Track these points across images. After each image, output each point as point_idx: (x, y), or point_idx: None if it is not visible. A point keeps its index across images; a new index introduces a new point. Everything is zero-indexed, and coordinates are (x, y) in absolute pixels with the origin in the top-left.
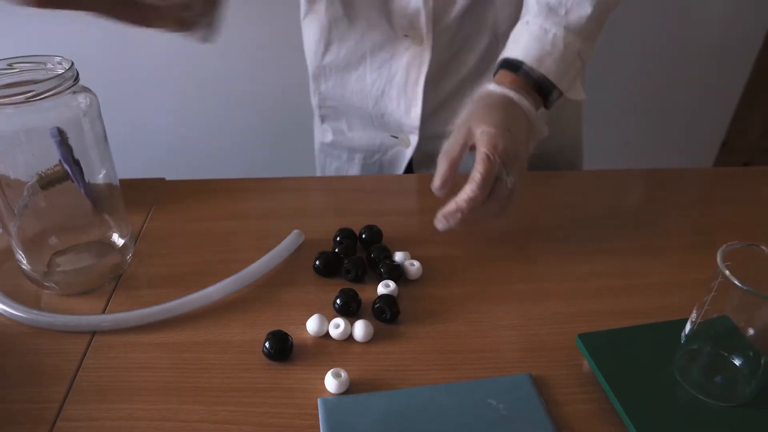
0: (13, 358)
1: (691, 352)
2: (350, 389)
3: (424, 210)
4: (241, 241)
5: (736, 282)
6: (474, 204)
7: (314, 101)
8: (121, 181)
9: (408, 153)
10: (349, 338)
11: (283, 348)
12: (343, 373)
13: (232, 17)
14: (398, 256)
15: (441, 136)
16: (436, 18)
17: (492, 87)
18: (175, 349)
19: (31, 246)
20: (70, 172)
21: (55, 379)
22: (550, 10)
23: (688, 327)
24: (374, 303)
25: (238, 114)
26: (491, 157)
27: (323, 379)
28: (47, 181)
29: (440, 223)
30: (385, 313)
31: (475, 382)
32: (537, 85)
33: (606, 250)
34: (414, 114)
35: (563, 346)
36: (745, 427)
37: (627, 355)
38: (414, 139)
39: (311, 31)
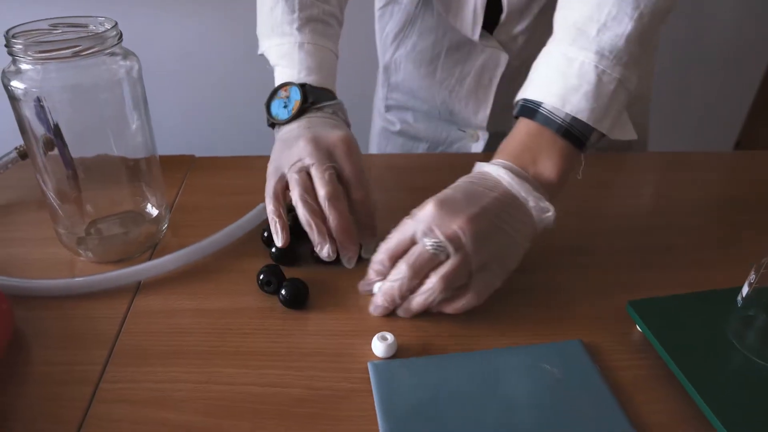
0: (54, 323)
1: (747, 317)
2: (398, 354)
3: None
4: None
5: None
6: (381, 268)
7: (381, 91)
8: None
9: (475, 148)
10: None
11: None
12: (390, 336)
13: (251, 7)
14: None
15: (506, 134)
16: (511, 22)
17: (484, 168)
18: (216, 315)
19: (68, 213)
20: (55, 140)
21: (97, 342)
22: (578, 31)
23: (745, 290)
24: None
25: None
26: (407, 221)
27: (370, 343)
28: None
29: (361, 288)
30: None
31: (526, 347)
32: (564, 131)
33: (644, 227)
34: (482, 115)
35: (610, 315)
36: None
37: (679, 320)
38: (484, 136)
39: (392, 22)
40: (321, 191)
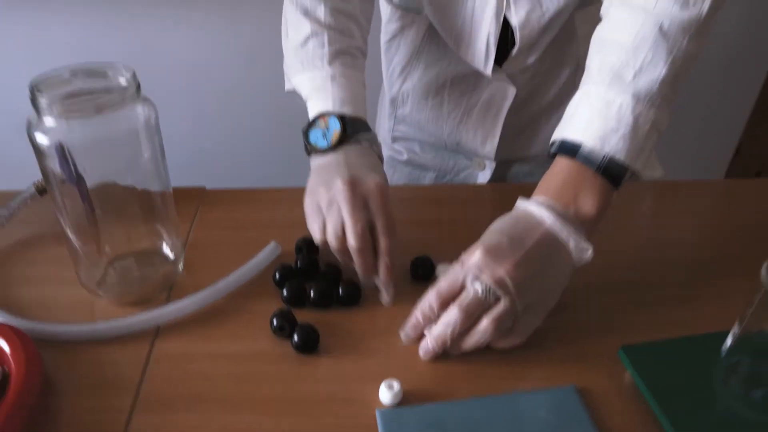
0: (78, 369)
1: (731, 365)
2: (405, 398)
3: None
4: (285, 248)
5: None
6: (426, 315)
7: (388, 123)
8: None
9: (482, 176)
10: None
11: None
12: (396, 385)
13: (257, 24)
14: (441, 269)
15: (516, 161)
16: (522, 55)
17: (524, 205)
18: (232, 360)
19: (87, 254)
20: (78, 189)
21: (122, 389)
22: (615, 76)
23: (729, 340)
24: None
25: (262, 120)
26: (457, 269)
27: (378, 389)
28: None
29: (406, 335)
30: None
31: (526, 394)
32: (603, 170)
33: (643, 262)
34: (490, 146)
35: (605, 357)
36: None
37: (669, 367)
38: (490, 165)
39: (398, 55)
40: (351, 242)
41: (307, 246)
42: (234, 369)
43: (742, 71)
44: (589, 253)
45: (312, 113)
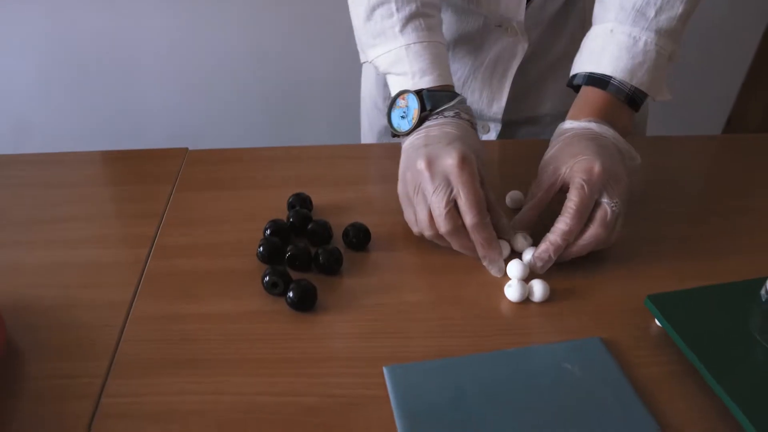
0: (51, 333)
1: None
2: (412, 357)
3: None
4: (270, 206)
5: None
6: (568, 237)
7: (384, 90)
8: (145, 151)
9: (487, 138)
10: (407, 304)
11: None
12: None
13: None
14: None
15: (521, 123)
16: (536, 13)
17: (569, 124)
18: (221, 320)
19: None
20: None
21: (96, 353)
22: (638, 13)
23: (766, 288)
24: None
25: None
26: (584, 186)
27: (381, 346)
28: None
29: (539, 264)
30: None
31: (546, 346)
32: (629, 99)
33: (660, 215)
34: (497, 107)
35: (628, 308)
36: None
37: (699, 315)
38: (495, 127)
39: None
40: (441, 228)
41: (300, 202)
42: (223, 329)
43: (733, 43)
44: (638, 161)
45: (393, 90)
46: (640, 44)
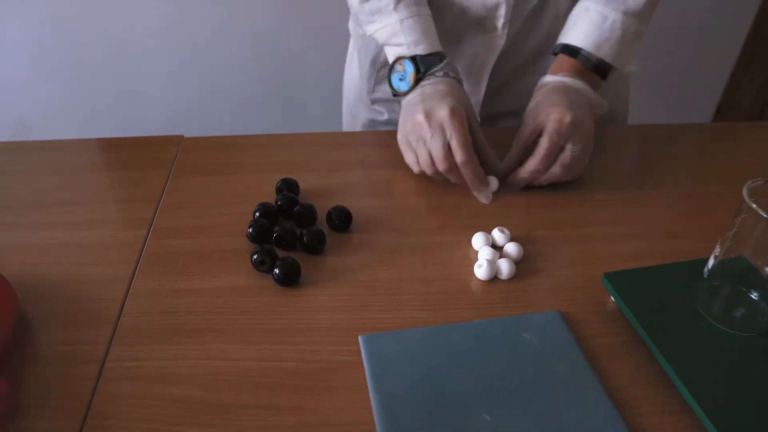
0: (58, 304)
1: (712, 288)
2: (386, 327)
3: None
4: (260, 190)
5: (762, 212)
6: (536, 174)
7: (367, 84)
8: (143, 138)
9: None
10: (383, 281)
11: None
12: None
13: None
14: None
15: (500, 116)
16: (512, 9)
17: (549, 78)
18: (212, 294)
19: None
20: None
21: (100, 323)
22: None
23: (711, 262)
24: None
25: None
26: (554, 134)
27: (358, 317)
28: None
29: (512, 186)
30: None
31: (509, 318)
32: (595, 67)
33: (622, 198)
34: (475, 100)
35: (587, 286)
36: (764, 353)
37: (650, 291)
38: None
39: None
40: (440, 166)
41: (287, 186)
42: (214, 302)
43: (724, 29)
44: (606, 108)
45: (390, 59)
46: (608, 22)
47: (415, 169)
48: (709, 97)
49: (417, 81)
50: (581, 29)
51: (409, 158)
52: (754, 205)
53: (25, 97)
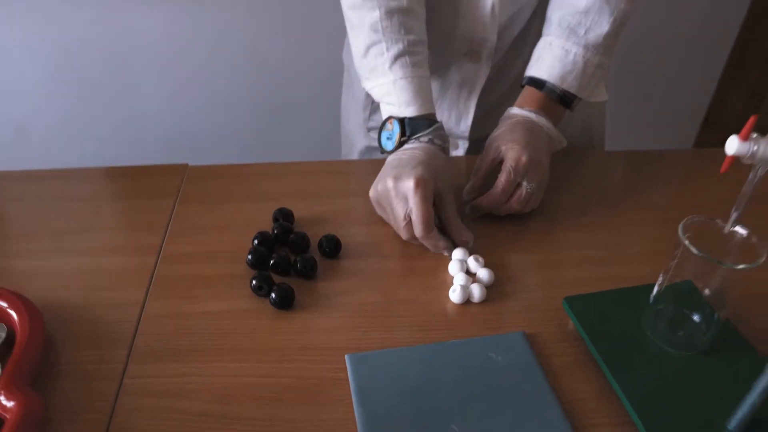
0: (79, 326)
1: (658, 311)
2: (371, 347)
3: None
4: (258, 218)
5: (693, 249)
6: (494, 205)
7: (362, 114)
8: (151, 167)
9: (456, 155)
10: (369, 304)
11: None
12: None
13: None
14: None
15: (488, 139)
16: (497, 43)
17: (515, 110)
18: (216, 317)
19: None
20: None
21: (117, 343)
22: (571, 31)
23: (655, 290)
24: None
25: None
26: (511, 172)
27: (347, 338)
28: None
29: (468, 212)
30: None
31: (478, 339)
32: (560, 98)
33: (589, 224)
34: (464, 125)
35: (551, 308)
36: (703, 370)
37: (604, 314)
38: (464, 144)
39: None
40: (402, 236)
41: (283, 216)
42: (218, 324)
43: (710, 41)
44: (565, 144)
45: (383, 116)
46: (570, 56)
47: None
48: (696, 109)
49: (401, 143)
50: (545, 62)
51: (379, 212)
52: (686, 242)
53: (28, 110)
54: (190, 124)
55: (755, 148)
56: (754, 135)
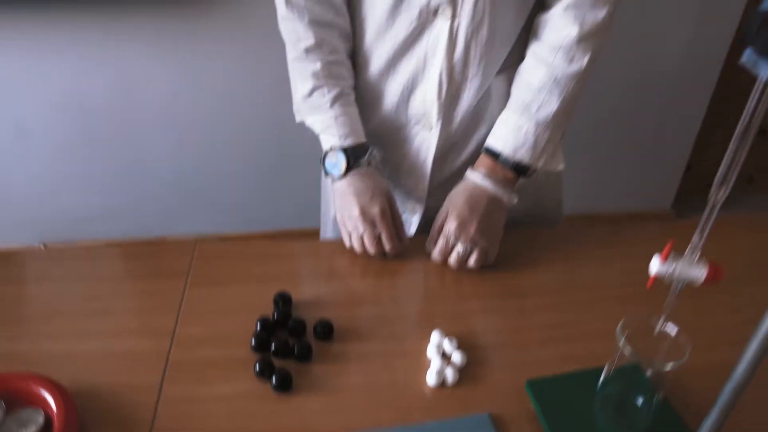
0: (104, 408)
1: (605, 395)
2: (357, 426)
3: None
4: (261, 301)
5: (627, 350)
6: (440, 261)
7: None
8: (159, 242)
9: (414, 220)
10: (357, 386)
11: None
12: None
13: (239, 66)
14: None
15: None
16: (445, 110)
17: (468, 172)
18: (225, 401)
19: None
20: None
21: (139, 425)
22: (525, 108)
23: (602, 376)
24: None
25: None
26: (444, 236)
27: (337, 418)
28: None
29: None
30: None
31: (446, 421)
32: (514, 168)
33: (553, 304)
34: (422, 187)
35: (515, 388)
36: None
37: (563, 398)
38: (420, 209)
39: None
40: (371, 252)
41: (283, 300)
42: (226, 408)
43: (691, 88)
44: (515, 201)
45: (325, 146)
46: (523, 131)
47: (347, 245)
48: (678, 156)
49: (348, 169)
50: (500, 134)
51: (344, 237)
52: (621, 343)
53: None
54: (192, 174)
55: (673, 268)
56: (672, 256)
